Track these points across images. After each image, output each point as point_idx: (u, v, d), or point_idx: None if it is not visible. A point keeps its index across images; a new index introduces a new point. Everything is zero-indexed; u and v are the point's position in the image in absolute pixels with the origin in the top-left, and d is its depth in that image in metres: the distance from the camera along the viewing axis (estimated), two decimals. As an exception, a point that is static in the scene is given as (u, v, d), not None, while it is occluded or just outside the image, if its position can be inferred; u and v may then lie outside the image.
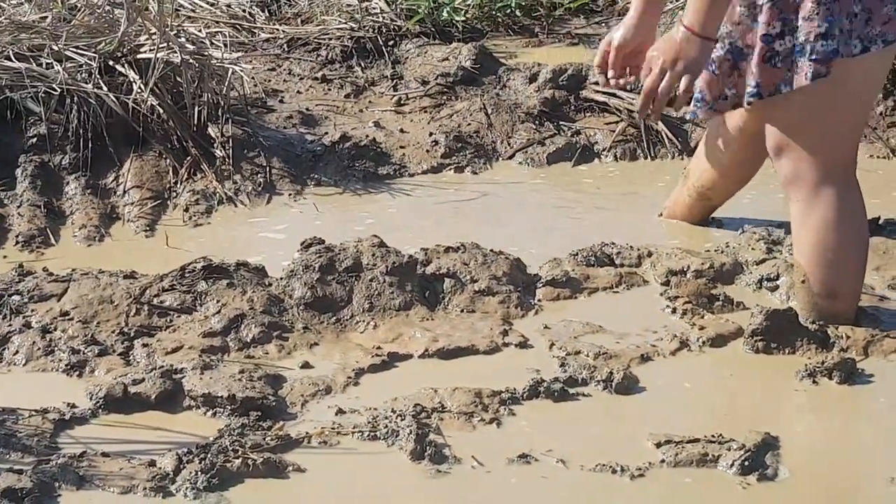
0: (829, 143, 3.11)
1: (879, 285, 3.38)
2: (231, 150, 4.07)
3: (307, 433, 2.70)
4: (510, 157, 4.28)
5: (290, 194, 4.01)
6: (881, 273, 3.43)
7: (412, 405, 2.78)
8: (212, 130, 4.11)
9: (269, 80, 4.68)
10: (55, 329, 3.09)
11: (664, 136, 4.35)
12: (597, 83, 4.25)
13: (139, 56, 4.12)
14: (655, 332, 3.16)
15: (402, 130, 4.40)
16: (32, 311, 3.16)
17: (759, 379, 3.00)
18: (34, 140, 4.01)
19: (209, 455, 2.57)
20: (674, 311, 3.25)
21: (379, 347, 3.07)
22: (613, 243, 3.57)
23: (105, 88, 4.01)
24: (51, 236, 3.73)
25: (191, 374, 2.89)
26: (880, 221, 3.65)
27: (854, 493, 2.62)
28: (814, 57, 3.00)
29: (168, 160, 4.04)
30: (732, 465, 2.59)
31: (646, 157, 4.33)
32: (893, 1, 3.03)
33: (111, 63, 4.11)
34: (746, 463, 2.59)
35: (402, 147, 4.29)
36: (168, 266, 3.34)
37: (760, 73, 3.07)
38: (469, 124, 4.40)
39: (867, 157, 4.33)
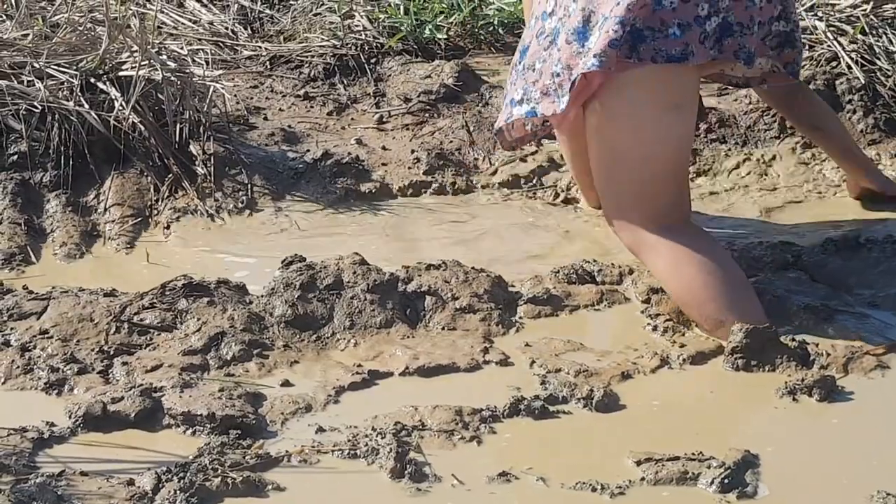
0: (634, 199, 3.27)
1: (859, 303, 3.39)
2: (212, 168, 4.06)
3: (287, 451, 2.69)
4: (492, 175, 4.28)
5: (271, 212, 4.00)
6: (860, 290, 3.43)
7: (392, 423, 2.78)
8: (193, 148, 4.11)
9: (252, 98, 4.68)
10: (34, 347, 3.08)
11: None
12: None
13: (121, 73, 4.12)
14: (636, 349, 3.16)
15: (384, 148, 4.40)
16: (12, 329, 3.15)
17: (739, 396, 3.00)
18: (15, 157, 4.00)
19: (188, 474, 2.56)
20: (655, 328, 3.26)
21: (360, 365, 3.07)
22: (595, 261, 3.57)
23: (86, 106, 4.01)
24: (31, 254, 3.72)
25: (170, 393, 2.88)
26: (861, 239, 3.66)
27: (834, 510, 2.63)
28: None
29: (149, 177, 4.03)
30: (712, 482, 2.59)
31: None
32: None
33: (93, 80, 4.10)
34: (726, 481, 2.59)
35: (383, 164, 4.29)
36: (148, 284, 3.33)
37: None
38: (451, 142, 4.41)
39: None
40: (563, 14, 3.19)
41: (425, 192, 4.18)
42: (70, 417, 2.78)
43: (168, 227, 3.88)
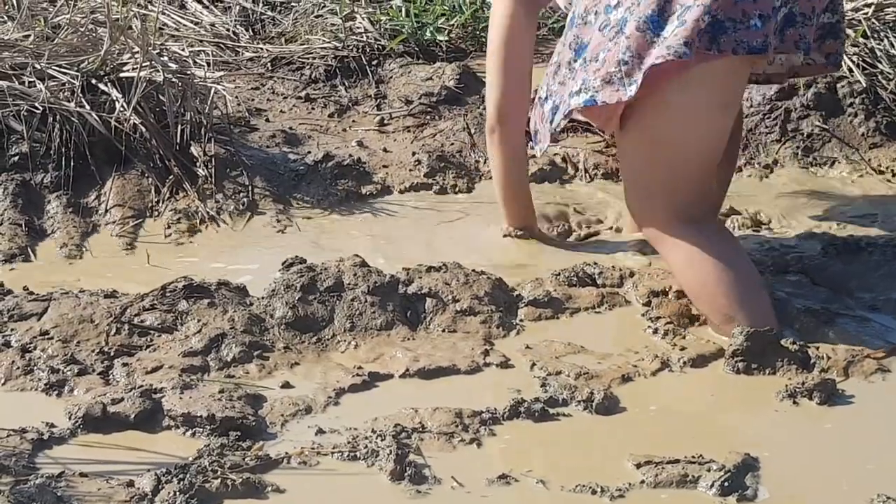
0: (664, 189, 3.25)
1: (859, 307, 3.39)
2: (213, 169, 4.06)
3: (287, 453, 2.69)
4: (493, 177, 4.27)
5: (272, 213, 4.00)
6: (861, 294, 3.43)
7: (392, 425, 2.78)
8: (194, 149, 4.11)
9: (253, 100, 4.68)
10: (35, 348, 3.08)
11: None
12: None
13: (122, 75, 4.12)
14: (637, 352, 3.16)
15: (385, 150, 4.40)
16: (12, 329, 3.15)
17: (739, 399, 3.00)
18: (16, 158, 4.00)
19: (188, 475, 2.56)
20: (655, 331, 3.26)
21: (360, 367, 3.06)
22: (595, 263, 3.57)
23: (87, 107, 4.00)
24: (32, 255, 3.72)
25: (170, 394, 2.88)
26: (862, 243, 3.66)
27: (834, 514, 2.63)
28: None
29: (150, 179, 4.03)
30: (712, 485, 2.59)
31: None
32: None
33: (94, 82, 4.10)
34: (726, 484, 2.59)
35: (384, 166, 4.29)
36: (149, 285, 3.33)
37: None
38: (452, 144, 4.41)
39: (850, 177, 4.35)
40: (632, 4, 3.12)
41: (426, 193, 4.18)
42: (70, 418, 2.78)
43: (168, 228, 3.88)
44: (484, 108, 4.54)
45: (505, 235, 3.80)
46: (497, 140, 3.72)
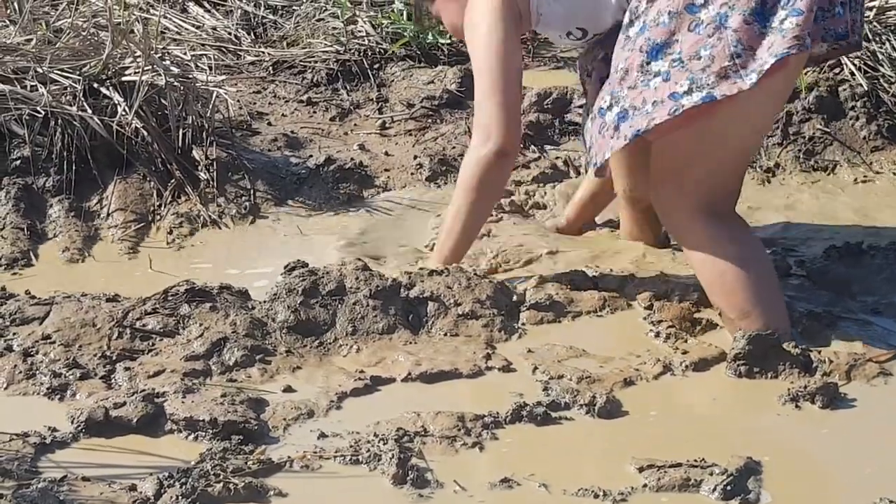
0: (698, 184, 3.22)
1: (862, 310, 3.38)
2: (215, 173, 4.07)
3: (289, 457, 2.69)
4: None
5: (274, 217, 4.01)
6: (863, 297, 3.43)
7: (395, 429, 2.78)
8: (196, 153, 4.11)
9: (255, 103, 4.68)
10: (37, 352, 3.07)
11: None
12: (581, 106, 4.26)
13: (124, 79, 4.12)
14: (639, 356, 3.16)
15: (386, 153, 4.40)
16: (14, 334, 3.15)
17: (741, 403, 3.00)
18: (18, 162, 4.01)
19: (190, 479, 2.55)
20: (657, 335, 3.26)
21: (362, 371, 3.06)
22: (597, 267, 3.57)
23: (89, 111, 4.01)
24: (34, 259, 3.72)
25: (172, 398, 2.88)
26: (864, 246, 3.66)
27: (836, 517, 2.63)
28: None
29: (152, 183, 4.03)
30: (715, 489, 2.59)
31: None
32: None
33: (96, 86, 4.11)
34: (729, 488, 2.59)
35: (386, 170, 4.29)
36: (151, 289, 3.33)
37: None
38: (454, 147, 4.41)
39: (851, 181, 4.36)
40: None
41: (428, 197, 4.18)
42: (72, 422, 2.78)
43: (171, 232, 3.88)
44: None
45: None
46: (502, 174, 3.47)
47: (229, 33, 5.14)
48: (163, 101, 4.12)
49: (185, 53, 4.47)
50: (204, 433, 2.77)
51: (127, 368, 3.03)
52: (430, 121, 4.60)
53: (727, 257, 3.21)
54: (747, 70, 3.07)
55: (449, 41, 5.05)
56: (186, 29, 5.01)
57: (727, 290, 3.21)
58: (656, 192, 3.34)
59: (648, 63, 3.16)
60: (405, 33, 5.03)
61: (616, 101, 3.19)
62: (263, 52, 5.00)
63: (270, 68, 4.93)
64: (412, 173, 4.27)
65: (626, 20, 3.25)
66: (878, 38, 4.61)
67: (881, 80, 4.56)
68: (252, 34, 5.22)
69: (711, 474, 2.61)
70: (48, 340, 3.11)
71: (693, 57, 3.11)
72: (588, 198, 3.91)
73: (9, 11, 4.55)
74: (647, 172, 3.47)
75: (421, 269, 3.44)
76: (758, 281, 3.20)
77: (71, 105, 4.01)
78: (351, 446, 2.73)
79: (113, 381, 3.00)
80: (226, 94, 4.26)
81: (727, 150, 3.24)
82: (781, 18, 3.07)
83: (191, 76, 4.22)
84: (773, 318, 3.15)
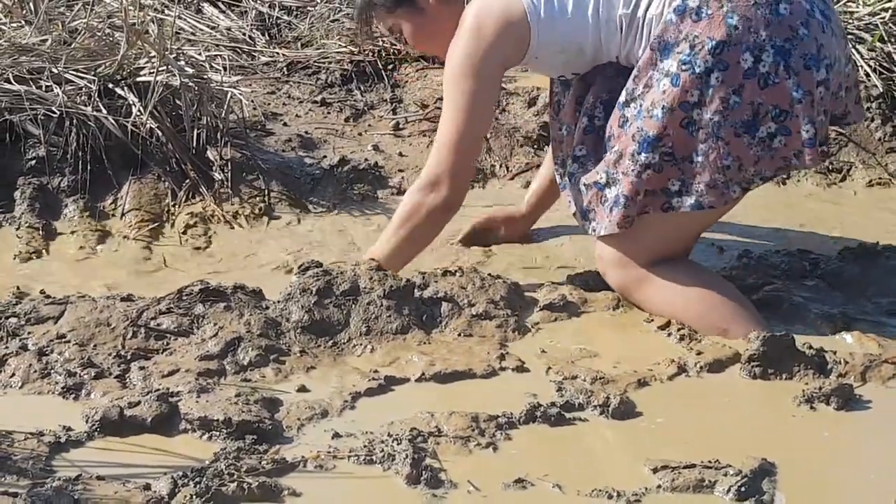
0: (650, 251, 3.33)
1: (877, 311, 3.38)
2: (230, 173, 4.07)
3: (303, 457, 2.69)
4: (510, 180, 4.28)
5: (288, 217, 4.01)
6: (878, 298, 3.42)
7: (408, 429, 2.78)
8: (210, 153, 4.12)
9: (269, 104, 4.68)
10: (52, 352, 3.08)
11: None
12: None
13: (139, 79, 4.13)
14: (653, 357, 3.15)
15: (400, 154, 4.40)
16: (29, 333, 3.16)
17: (756, 404, 3.00)
18: (33, 162, 4.02)
19: (204, 479, 2.56)
20: (670, 335, 3.25)
21: (376, 371, 3.06)
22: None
23: (104, 111, 4.02)
24: (49, 258, 3.72)
25: (187, 398, 2.88)
26: (878, 247, 3.65)
27: (851, 519, 2.62)
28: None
29: (167, 183, 4.04)
30: (729, 490, 2.58)
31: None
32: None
33: (111, 86, 4.12)
34: (743, 489, 2.58)
35: (400, 171, 4.29)
36: (165, 289, 3.34)
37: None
38: (468, 148, 4.40)
39: (865, 183, 4.35)
40: (723, 107, 3.16)
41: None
42: (87, 422, 2.79)
43: (185, 232, 3.88)
44: (499, 112, 4.55)
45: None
46: (441, 220, 3.45)
47: (244, 34, 5.14)
48: (177, 101, 4.13)
49: (199, 54, 4.48)
50: (218, 433, 2.78)
51: (141, 368, 3.04)
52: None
53: (687, 286, 3.29)
54: (734, 182, 3.22)
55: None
56: (201, 30, 5.02)
57: (698, 314, 3.27)
58: (605, 251, 3.36)
59: (639, 153, 3.23)
60: (355, 39, 5.02)
61: (613, 182, 3.29)
62: (278, 53, 5.01)
63: (285, 69, 4.93)
64: (426, 174, 4.26)
65: (622, 97, 3.29)
66: (893, 40, 4.60)
67: (896, 82, 4.55)
68: (266, 35, 5.22)
69: (726, 475, 2.61)
70: (63, 340, 3.12)
71: (686, 159, 3.22)
72: (548, 184, 3.85)
73: (24, 12, 4.56)
74: None
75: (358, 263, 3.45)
76: (722, 296, 3.27)
77: (86, 105, 4.02)
78: (365, 446, 2.73)
79: (127, 380, 3.01)
80: (240, 94, 4.26)
81: (682, 228, 3.35)
82: (771, 133, 3.17)
83: (205, 77, 4.22)
84: (754, 327, 3.20)
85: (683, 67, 3.17)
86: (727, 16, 3.16)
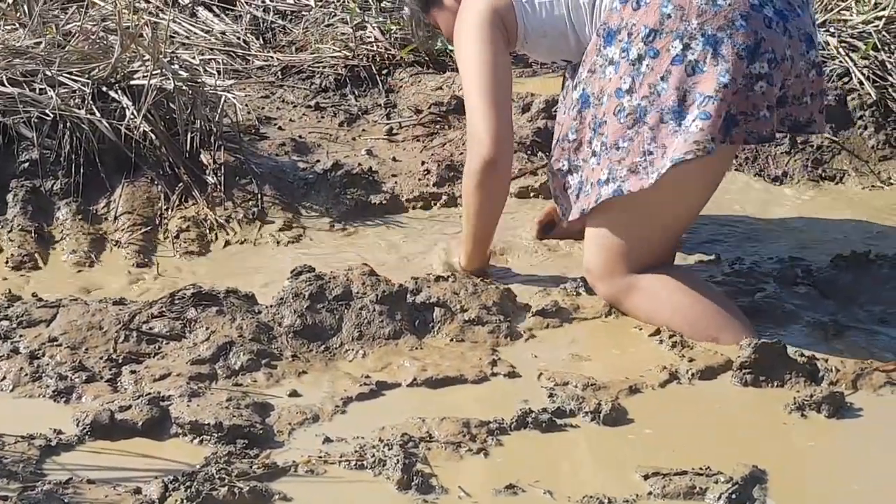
0: (631, 258, 3.33)
1: (868, 320, 3.38)
2: (223, 177, 4.07)
3: (294, 462, 2.69)
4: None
5: (281, 222, 4.00)
6: (870, 307, 3.42)
7: (400, 434, 2.78)
8: (204, 157, 4.12)
9: (263, 108, 4.68)
10: (43, 355, 3.08)
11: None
12: None
13: (132, 82, 4.12)
14: (644, 363, 3.16)
15: (394, 159, 4.40)
16: (21, 336, 3.16)
17: (747, 412, 3.00)
18: (26, 165, 4.01)
19: (195, 483, 2.56)
20: (662, 342, 3.25)
21: (367, 376, 3.06)
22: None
23: (98, 114, 4.01)
24: (41, 261, 3.72)
25: (178, 402, 2.88)
26: (871, 255, 3.66)
27: (841, 527, 2.62)
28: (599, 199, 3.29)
29: (160, 186, 4.03)
30: (720, 497, 2.58)
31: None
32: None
33: (104, 89, 4.11)
34: (734, 496, 2.58)
35: (394, 175, 4.29)
36: (157, 293, 3.33)
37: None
38: (461, 153, 4.39)
39: (859, 189, 4.35)
40: (650, 93, 3.20)
41: (435, 203, 4.18)
42: (78, 425, 2.78)
43: (178, 237, 3.88)
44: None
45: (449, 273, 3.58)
46: (494, 182, 3.46)
47: (238, 38, 5.14)
48: (171, 104, 4.12)
49: (193, 58, 4.47)
50: (209, 437, 2.77)
51: (133, 371, 3.04)
52: (438, 127, 4.59)
53: (673, 295, 3.31)
54: (653, 167, 3.21)
55: (457, 47, 5.05)
56: (195, 33, 5.01)
57: (689, 322, 3.28)
58: (592, 263, 3.39)
59: (591, 141, 3.31)
60: (414, 39, 5.03)
61: (575, 170, 3.37)
62: (272, 57, 5.01)
63: (279, 73, 4.93)
64: (420, 179, 4.26)
65: (572, 83, 3.39)
66: (886, 48, 4.61)
67: (890, 90, 4.55)
68: (261, 39, 5.22)
69: (717, 482, 2.61)
70: (54, 343, 3.12)
71: (613, 146, 3.26)
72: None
73: (18, 14, 4.56)
74: None
75: (451, 270, 3.60)
76: (711, 304, 3.28)
77: (79, 108, 4.01)
78: (356, 451, 2.73)
79: (119, 384, 3.01)
80: (234, 98, 4.26)
81: (659, 229, 3.36)
82: (693, 118, 3.17)
83: (199, 80, 4.22)
84: (744, 333, 3.21)
85: (622, 55, 3.24)
86: (662, 4, 3.20)
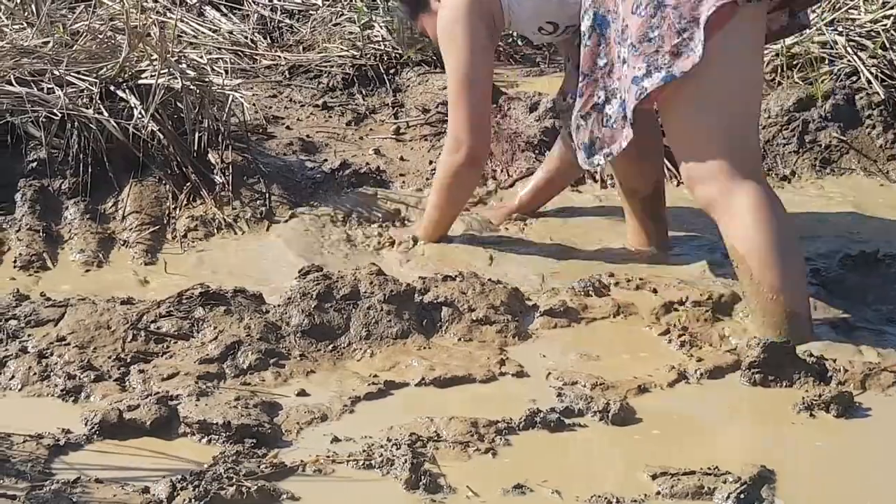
0: (716, 146, 3.23)
1: (877, 319, 3.37)
2: (231, 177, 4.07)
3: (302, 461, 2.69)
4: (509, 186, 4.28)
5: (289, 221, 4.00)
6: (878, 306, 3.42)
7: (408, 434, 2.78)
8: (212, 157, 4.12)
9: (270, 107, 4.69)
10: (51, 354, 3.08)
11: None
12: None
13: (140, 82, 4.13)
14: (653, 363, 3.15)
15: (402, 158, 4.40)
16: (29, 335, 3.16)
17: (756, 411, 3.00)
18: (34, 164, 4.02)
19: (203, 482, 2.55)
20: (671, 342, 3.25)
21: (375, 375, 3.06)
22: (612, 274, 3.57)
23: (106, 114, 4.01)
24: (49, 261, 3.73)
25: (186, 401, 2.88)
26: (879, 255, 3.65)
27: (850, 527, 2.62)
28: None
29: (167, 186, 4.04)
30: (728, 497, 2.58)
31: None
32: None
33: (112, 88, 4.11)
34: (742, 496, 2.58)
35: (401, 175, 4.29)
36: (165, 292, 3.34)
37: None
38: (469, 153, 4.39)
39: (868, 189, 4.35)
40: None
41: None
42: (86, 424, 2.79)
43: (185, 236, 3.88)
44: (501, 117, 4.55)
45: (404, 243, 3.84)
46: (470, 177, 3.78)
47: (246, 37, 5.15)
48: (179, 104, 4.12)
49: (201, 57, 4.48)
50: (217, 436, 2.78)
51: (141, 371, 3.04)
52: (445, 126, 4.58)
53: (763, 232, 3.19)
54: (693, 42, 3.15)
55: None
56: (203, 33, 5.02)
57: (761, 264, 3.18)
58: (686, 172, 3.30)
59: (619, 54, 3.29)
60: (421, 38, 5.03)
61: (613, 95, 3.33)
62: (280, 57, 5.01)
63: (286, 72, 4.93)
64: (427, 178, 4.26)
65: (586, 24, 3.36)
66: (894, 47, 4.60)
67: (898, 89, 4.55)
68: (268, 38, 5.23)
69: (725, 482, 2.60)
70: (63, 342, 3.12)
71: (643, 39, 3.21)
72: (543, 182, 4.07)
73: (26, 14, 4.56)
74: (641, 163, 3.75)
75: (410, 237, 3.79)
76: (790, 263, 3.20)
77: (87, 108, 4.02)
78: (364, 451, 2.73)
79: (127, 383, 3.01)
80: (242, 97, 4.26)
81: (727, 103, 3.25)
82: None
83: (207, 80, 4.22)
84: (801, 301, 3.18)
85: None
86: None
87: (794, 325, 3.18)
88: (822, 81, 4.55)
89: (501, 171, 4.34)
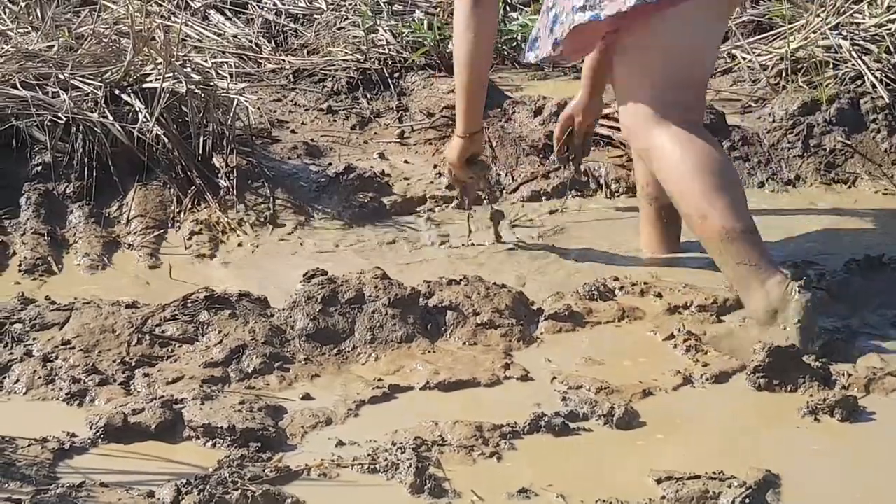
0: (659, 84, 3.30)
1: (881, 323, 3.37)
2: (235, 181, 4.07)
3: (307, 465, 2.69)
4: (514, 190, 4.28)
5: (293, 225, 4.01)
6: (883, 310, 3.42)
7: (412, 438, 2.78)
8: (216, 160, 4.12)
9: (275, 111, 4.69)
10: (56, 358, 3.08)
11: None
12: (605, 116, 4.27)
13: (145, 85, 4.13)
14: (658, 367, 3.15)
15: (406, 162, 4.40)
16: (34, 339, 3.17)
17: (761, 416, 2.99)
18: (39, 168, 4.02)
19: (208, 486, 2.56)
20: (676, 346, 3.25)
21: (380, 379, 3.06)
22: (616, 278, 3.57)
23: (110, 117, 4.02)
24: (53, 264, 3.73)
25: (191, 405, 2.88)
26: (884, 259, 3.65)
27: (855, 531, 2.62)
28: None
29: (172, 190, 4.04)
30: (733, 502, 2.58)
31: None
32: None
33: (117, 92, 4.12)
34: (747, 500, 2.57)
35: (406, 179, 4.29)
36: (170, 296, 3.34)
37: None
38: (473, 157, 4.40)
39: (872, 193, 4.34)
40: None
41: (447, 206, 4.18)
42: (91, 428, 2.79)
43: (190, 240, 3.88)
44: (505, 121, 4.55)
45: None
46: (480, 21, 3.51)
47: (250, 41, 5.15)
48: (183, 108, 4.13)
49: (205, 61, 4.48)
50: (222, 440, 2.78)
51: (146, 375, 3.04)
52: (449, 130, 4.58)
53: (691, 160, 3.26)
54: None
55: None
56: (207, 37, 5.02)
57: (691, 192, 3.25)
58: (622, 116, 3.40)
59: None
60: (425, 42, 5.03)
61: (556, 4, 3.37)
62: (284, 61, 5.01)
63: (291, 76, 4.94)
64: (431, 182, 4.26)
65: None
66: (899, 51, 4.61)
67: (902, 93, 4.55)
68: (273, 42, 5.23)
69: (730, 487, 2.60)
70: (68, 346, 3.12)
71: None
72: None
73: (31, 18, 4.57)
74: None
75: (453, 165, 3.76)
76: (720, 179, 3.25)
77: (92, 111, 4.02)
78: (368, 455, 2.73)
79: (132, 387, 3.01)
80: (246, 101, 4.26)
81: (687, 65, 3.33)
82: None
83: (211, 84, 4.22)
84: (727, 221, 3.21)
85: None
86: None
87: (729, 242, 3.21)
88: (827, 86, 4.55)
89: (506, 175, 4.34)
